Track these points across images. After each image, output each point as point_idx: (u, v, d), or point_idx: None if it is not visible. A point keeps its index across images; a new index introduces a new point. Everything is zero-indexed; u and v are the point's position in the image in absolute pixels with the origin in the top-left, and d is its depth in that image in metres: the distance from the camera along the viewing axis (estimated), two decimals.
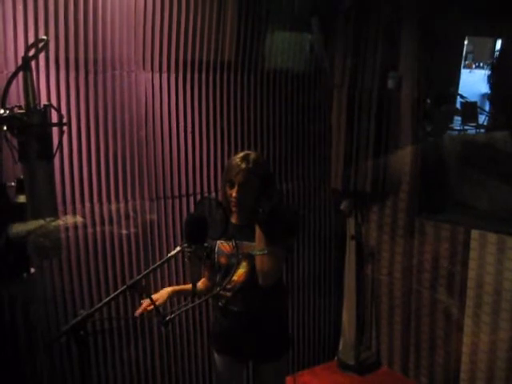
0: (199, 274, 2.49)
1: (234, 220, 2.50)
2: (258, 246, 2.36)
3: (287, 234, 2.45)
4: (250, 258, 2.42)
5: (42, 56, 2.76)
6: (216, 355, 2.69)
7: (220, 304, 2.55)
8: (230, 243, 2.40)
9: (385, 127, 3.91)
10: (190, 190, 3.42)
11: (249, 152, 2.46)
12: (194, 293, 2.20)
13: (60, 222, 1.89)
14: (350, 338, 4.27)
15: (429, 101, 4.31)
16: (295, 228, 2.62)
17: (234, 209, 2.43)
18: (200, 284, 2.67)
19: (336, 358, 4.36)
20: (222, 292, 2.48)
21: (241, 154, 2.43)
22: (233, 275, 2.35)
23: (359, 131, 3.92)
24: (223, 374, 2.69)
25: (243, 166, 2.35)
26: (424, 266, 3.85)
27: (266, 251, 2.34)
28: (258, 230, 2.35)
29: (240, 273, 2.46)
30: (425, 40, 3.71)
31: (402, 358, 4.13)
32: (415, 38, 3.71)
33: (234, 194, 2.37)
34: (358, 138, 3.93)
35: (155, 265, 2.08)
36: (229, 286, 2.47)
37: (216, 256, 2.51)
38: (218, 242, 2.49)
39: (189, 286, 2.47)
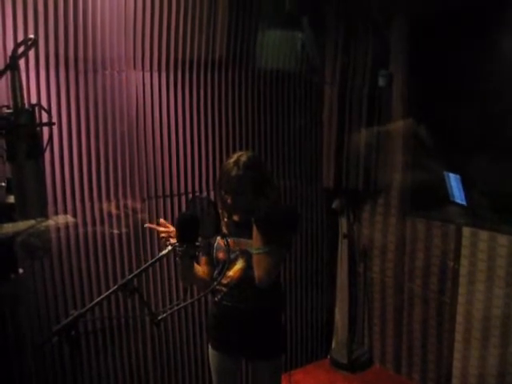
0: (190, 273, 2.48)
1: (234, 217, 2.49)
2: (255, 244, 2.35)
3: (285, 233, 2.43)
4: (247, 255, 2.41)
5: (32, 55, 2.74)
6: (211, 349, 2.69)
7: (216, 299, 2.55)
8: (230, 239, 2.37)
9: (376, 125, 3.92)
10: (182, 189, 3.41)
11: (241, 154, 2.39)
12: (186, 289, 2.19)
13: (50, 221, 1.88)
14: (342, 336, 4.28)
15: None
16: (294, 226, 2.59)
17: (232, 212, 2.43)
18: (202, 273, 2.64)
19: (329, 357, 4.37)
20: (218, 287, 2.47)
21: (233, 159, 2.37)
22: (226, 270, 2.35)
23: (350, 129, 3.92)
24: (217, 369, 2.69)
25: (233, 173, 2.31)
26: (416, 264, 3.86)
27: (262, 250, 2.34)
28: (255, 229, 2.35)
29: (236, 269, 2.46)
30: (414, 36, 3.71)
31: (394, 355, 4.15)
32: (405, 35, 3.73)
33: (229, 201, 2.37)
34: (349, 135, 3.93)
35: (147, 264, 2.07)
36: (225, 282, 2.46)
37: (214, 251, 2.51)
38: (218, 237, 2.46)
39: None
